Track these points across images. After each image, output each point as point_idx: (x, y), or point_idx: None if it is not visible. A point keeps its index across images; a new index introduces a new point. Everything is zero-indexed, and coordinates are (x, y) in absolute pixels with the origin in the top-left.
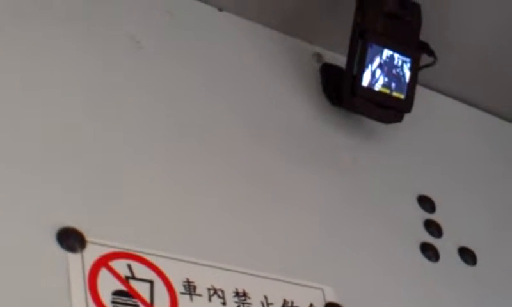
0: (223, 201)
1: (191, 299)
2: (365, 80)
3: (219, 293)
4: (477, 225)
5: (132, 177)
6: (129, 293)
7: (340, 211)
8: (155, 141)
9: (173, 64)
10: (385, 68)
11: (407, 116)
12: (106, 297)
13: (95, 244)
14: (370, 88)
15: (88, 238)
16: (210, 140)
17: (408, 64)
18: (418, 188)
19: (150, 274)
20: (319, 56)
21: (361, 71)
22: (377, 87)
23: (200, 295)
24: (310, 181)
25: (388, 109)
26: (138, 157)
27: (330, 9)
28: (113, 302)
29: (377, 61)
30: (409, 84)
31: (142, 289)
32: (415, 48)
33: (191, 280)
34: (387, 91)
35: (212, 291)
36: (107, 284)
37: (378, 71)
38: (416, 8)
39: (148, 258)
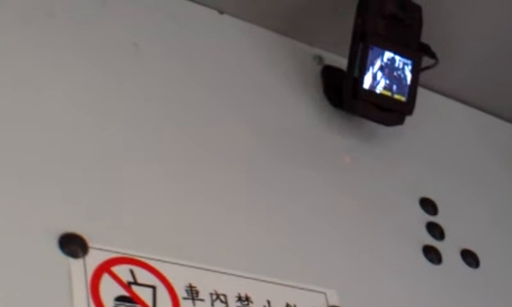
0: (225, 205)
1: (194, 304)
2: (366, 83)
3: (222, 298)
4: (480, 227)
5: (133, 182)
6: (132, 299)
7: (342, 214)
8: (157, 146)
9: (174, 67)
10: (386, 71)
11: (408, 118)
12: (108, 303)
13: (97, 249)
14: (371, 91)
15: (90, 243)
16: (212, 143)
17: (409, 67)
18: (420, 190)
19: (152, 279)
20: (320, 58)
21: (363, 73)
22: (379, 89)
23: (202, 300)
24: (312, 183)
25: (390, 111)
26: (140, 161)
27: (331, 11)
28: None
29: (378, 63)
30: (410, 86)
31: (144, 294)
32: (416, 51)
33: (193, 285)
34: (388, 93)
35: (214, 296)
36: (110, 290)
37: (379, 74)
38: (417, 10)
39: (150, 263)
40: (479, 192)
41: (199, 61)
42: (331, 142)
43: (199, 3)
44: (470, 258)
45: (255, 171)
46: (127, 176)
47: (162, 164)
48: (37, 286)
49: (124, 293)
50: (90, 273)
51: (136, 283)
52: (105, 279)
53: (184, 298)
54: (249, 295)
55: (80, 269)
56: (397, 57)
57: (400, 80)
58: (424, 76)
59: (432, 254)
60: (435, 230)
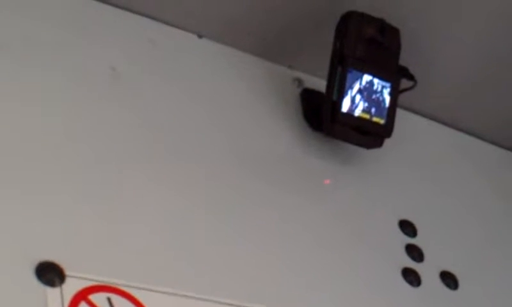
0: (204, 230)
1: None
2: (345, 106)
3: None
4: (459, 249)
5: (111, 209)
6: None
7: (321, 236)
8: (135, 171)
9: (153, 91)
10: (365, 94)
11: (388, 139)
12: None
13: (75, 277)
14: (350, 114)
15: (67, 271)
16: (190, 167)
17: (388, 89)
18: (399, 212)
19: None
20: (299, 81)
21: (341, 97)
22: (357, 112)
23: None
24: (291, 206)
25: (369, 134)
26: (117, 188)
27: (310, 34)
28: None
29: (356, 86)
30: (389, 109)
31: None
32: (395, 73)
33: None
34: (367, 116)
35: None
36: None
37: (358, 97)
38: (395, 33)
39: (128, 290)
40: (458, 214)
41: (178, 85)
42: (310, 165)
43: (177, 27)
44: (449, 279)
45: (235, 194)
46: (104, 203)
47: (140, 190)
48: None
49: None
50: (67, 302)
51: None
52: None
53: None
54: None
55: (57, 298)
56: (376, 80)
57: (378, 102)
58: (403, 97)
59: (412, 276)
60: (414, 252)
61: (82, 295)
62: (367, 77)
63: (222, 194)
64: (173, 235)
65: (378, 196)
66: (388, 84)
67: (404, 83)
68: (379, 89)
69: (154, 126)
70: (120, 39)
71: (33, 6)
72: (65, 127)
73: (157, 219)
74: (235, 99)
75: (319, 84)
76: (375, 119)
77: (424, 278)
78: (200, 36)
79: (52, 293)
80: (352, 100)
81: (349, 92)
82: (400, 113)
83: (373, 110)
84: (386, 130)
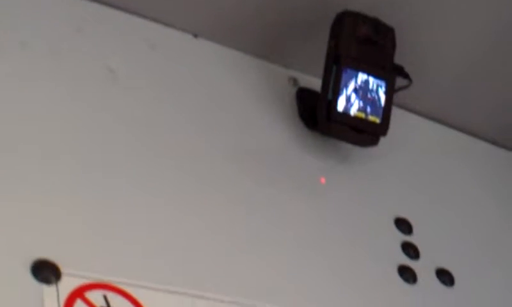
0: (200, 228)
1: None
2: (340, 105)
3: None
4: (455, 246)
5: (107, 207)
6: None
7: (317, 234)
8: (132, 170)
9: (150, 92)
10: (360, 93)
11: (383, 138)
12: None
13: (71, 275)
14: (345, 113)
15: (63, 269)
16: (187, 166)
17: (383, 88)
18: (395, 210)
19: (126, 305)
20: (294, 81)
21: (337, 96)
22: (353, 111)
23: None
24: (287, 205)
25: (364, 133)
26: (114, 186)
27: (305, 34)
28: None
29: (352, 85)
30: (384, 107)
31: None
32: (390, 72)
33: None
34: (362, 115)
35: None
36: None
37: (353, 96)
38: (390, 32)
39: (124, 288)
40: (453, 211)
41: (174, 85)
42: (306, 164)
43: (173, 27)
44: (445, 276)
45: (231, 193)
46: (100, 201)
47: (136, 188)
48: None
49: None
50: (63, 299)
51: None
52: (79, 305)
53: None
54: None
55: (53, 296)
56: (371, 79)
57: (374, 101)
58: (398, 96)
59: (408, 274)
60: (410, 250)
61: (78, 292)
62: (362, 76)
63: (218, 193)
64: (169, 232)
65: (374, 194)
66: (383, 83)
67: (400, 82)
68: (375, 88)
69: (150, 125)
70: (116, 40)
71: (30, 7)
72: (62, 127)
73: (153, 217)
74: (230, 98)
75: (315, 83)
76: (370, 118)
77: (419, 275)
78: (196, 36)
79: (48, 291)
80: (348, 99)
81: (345, 91)
82: (395, 112)
83: (368, 109)
84: (381, 129)
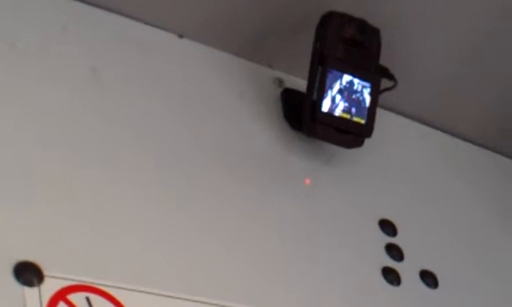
0: (184, 229)
1: None
2: (325, 106)
3: None
4: (439, 248)
5: (89, 208)
6: None
7: (301, 235)
8: (115, 171)
9: (134, 91)
10: (345, 94)
11: (368, 139)
12: None
13: (53, 277)
14: (330, 114)
15: (46, 271)
16: (170, 167)
17: (368, 89)
18: (379, 212)
19: (108, 306)
20: (280, 81)
21: (321, 97)
22: (338, 112)
23: None
24: (271, 205)
25: (349, 134)
26: (96, 187)
27: (291, 34)
28: None
29: (337, 86)
30: (369, 108)
31: None
32: (375, 73)
33: None
34: (347, 116)
35: None
36: None
37: (338, 97)
38: (376, 33)
39: (107, 290)
40: (438, 213)
41: (158, 85)
42: (291, 165)
43: (158, 27)
44: (428, 278)
45: (215, 194)
46: (82, 202)
47: (119, 190)
48: None
49: None
50: (45, 302)
51: None
52: None
53: None
54: None
55: (35, 298)
56: (356, 80)
57: (359, 102)
58: (383, 97)
59: (392, 276)
60: (394, 251)
61: (61, 294)
62: (347, 77)
63: (202, 194)
64: (152, 234)
65: (358, 196)
66: (368, 84)
67: (385, 83)
68: (360, 89)
69: (134, 126)
70: (100, 40)
71: (13, 6)
72: (45, 127)
73: (135, 219)
74: (215, 99)
75: (300, 84)
76: (355, 119)
77: (403, 277)
78: (181, 36)
79: (31, 293)
80: (333, 99)
81: (329, 92)
82: (380, 113)
83: (353, 110)
84: (366, 130)
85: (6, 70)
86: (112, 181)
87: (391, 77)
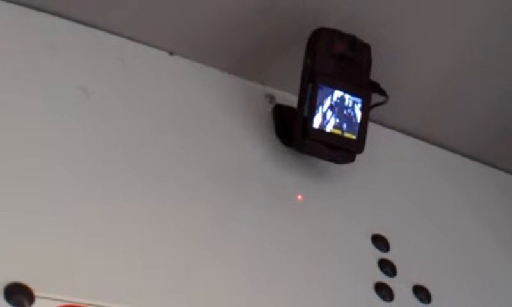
0: (173, 249)
1: None
2: (316, 122)
3: None
4: (432, 263)
5: (79, 229)
6: None
7: (294, 252)
8: (105, 189)
9: (124, 110)
10: (336, 109)
11: (360, 154)
12: None
13: (44, 298)
14: (321, 130)
15: (37, 293)
16: (162, 184)
17: (359, 105)
18: (372, 227)
19: None
20: (271, 97)
21: (312, 113)
22: (329, 128)
23: None
24: (263, 222)
25: (340, 149)
26: (86, 207)
27: (282, 51)
28: None
29: (328, 102)
30: (360, 124)
31: None
32: (366, 89)
33: None
34: (339, 132)
35: None
36: None
37: (329, 113)
38: (366, 49)
39: None
40: (430, 228)
41: (149, 102)
42: (283, 181)
43: (148, 45)
44: (422, 294)
45: (207, 210)
46: (73, 223)
47: (110, 208)
48: None
49: None
50: None
51: None
52: None
53: None
54: None
55: None
56: (347, 96)
57: (350, 118)
58: (375, 111)
59: (384, 291)
60: (387, 267)
61: None
62: (337, 93)
63: (193, 210)
64: (144, 254)
65: (351, 211)
66: (359, 100)
67: (376, 97)
68: (351, 104)
69: (125, 144)
70: (90, 58)
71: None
72: (33, 144)
73: (126, 239)
74: (207, 115)
75: (292, 99)
76: (346, 134)
77: (396, 292)
78: (171, 54)
79: None
80: (324, 115)
81: (320, 108)
82: (372, 127)
83: (344, 125)
84: (358, 145)
85: None
86: (103, 200)
87: (382, 92)
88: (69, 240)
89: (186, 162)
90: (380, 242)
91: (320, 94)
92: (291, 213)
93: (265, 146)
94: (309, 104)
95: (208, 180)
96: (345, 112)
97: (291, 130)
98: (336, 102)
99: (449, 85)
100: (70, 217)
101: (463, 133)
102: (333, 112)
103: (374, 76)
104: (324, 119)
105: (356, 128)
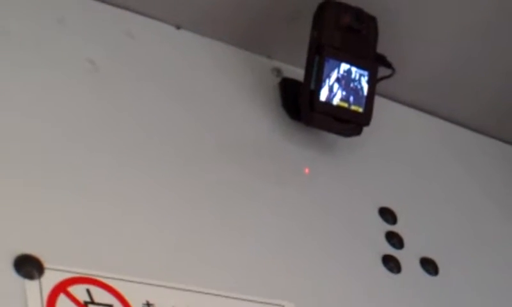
0: (184, 219)
1: None
2: (323, 95)
3: None
4: (439, 235)
5: (89, 201)
6: None
7: (300, 225)
8: (113, 163)
9: (132, 84)
10: (343, 82)
11: (367, 127)
12: None
13: (53, 270)
14: (328, 103)
15: (46, 264)
16: (170, 157)
17: (366, 78)
18: (379, 200)
19: (109, 298)
20: (278, 71)
21: (319, 86)
22: (336, 101)
23: None
24: (270, 195)
25: (347, 122)
26: (95, 180)
27: (288, 24)
28: None
29: (334, 75)
30: (367, 97)
31: None
32: (372, 61)
33: (151, 302)
34: (345, 104)
35: None
36: None
37: (336, 86)
38: (373, 21)
39: (107, 281)
40: (437, 201)
41: (156, 77)
42: (290, 154)
43: (155, 19)
44: (429, 266)
45: (215, 184)
46: (82, 195)
47: (119, 181)
48: None
49: None
50: (46, 294)
51: (93, 302)
52: (62, 299)
53: None
54: None
55: (36, 291)
56: (354, 69)
57: (357, 91)
58: (381, 85)
59: (392, 263)
60: (394, 239)
61: (61, 287)
62: (344, 66)
63: (202, 184)
64: (154, 225)
65: (358, 184)
66: (366, 72)
67: (383, 71)
68: (357, 77)
69: (133, 118)
70: (98, 32)
71: None
72: (42, 119)
73: (136, 211)
74: (213, 89)
75: (298, 73)
76: (353, 107)
77: (404, 265)
78: (178, 28)
79: (31, 285)
80: (330, 88)
81: (327, 81)
82: (379, 101)
83: (351, 98)
84: (364, 118)
85: (3, 61)
86: (112, 174)
87: (388, 65)
88: (78, 212)
89: (192, 135)
90: (387, 214)
91: (326, 67)
92: (298, 186)
93: (272, 120)
94: (316, 77)
95: (214, 153)
96: (352, 85)
97: (298, 103)
98: (343, 75)
99: (457, 58)
100: (79, 189)
101: (470, 106)
102: (340, 85)
103: (380, 49)
104: (330, 92)
105: (363, 101)
